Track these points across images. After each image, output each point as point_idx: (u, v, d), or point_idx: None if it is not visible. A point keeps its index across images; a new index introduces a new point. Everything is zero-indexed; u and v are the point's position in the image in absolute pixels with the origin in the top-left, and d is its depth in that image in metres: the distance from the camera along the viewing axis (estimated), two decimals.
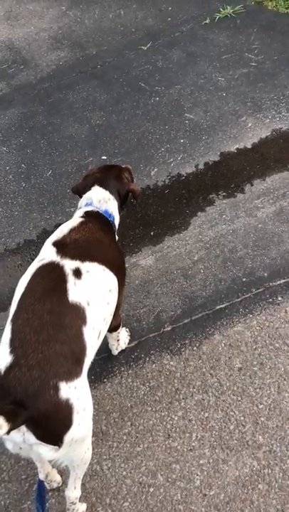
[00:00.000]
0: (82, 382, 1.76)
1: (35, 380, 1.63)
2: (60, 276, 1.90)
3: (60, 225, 2.24)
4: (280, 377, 2.45)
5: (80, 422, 1.72)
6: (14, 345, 1.70)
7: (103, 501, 2.21)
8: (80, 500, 2.14)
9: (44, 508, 1.98)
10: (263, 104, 3.75)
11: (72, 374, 1.71)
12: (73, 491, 2.07)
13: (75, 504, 2.12)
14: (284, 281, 2.80)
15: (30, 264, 2.05)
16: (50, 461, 1.88)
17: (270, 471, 2.19)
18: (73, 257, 1.97)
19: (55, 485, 2.23)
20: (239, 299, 2.76)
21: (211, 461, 2.25)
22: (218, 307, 2.75)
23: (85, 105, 3.99)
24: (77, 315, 1.84)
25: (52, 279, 1.90)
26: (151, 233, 3.14)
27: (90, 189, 2.39)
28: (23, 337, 1.71)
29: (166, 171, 3.44)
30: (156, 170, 3.46)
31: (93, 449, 2.35)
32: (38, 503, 1.99)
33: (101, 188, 2.37)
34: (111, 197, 2.37)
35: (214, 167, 3.41)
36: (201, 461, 2.26)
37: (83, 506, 2.19)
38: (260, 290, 2.78)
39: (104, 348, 2.65)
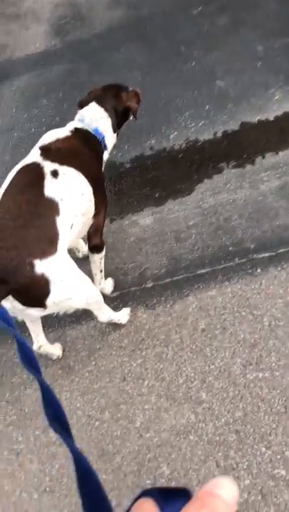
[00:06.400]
0: (57, 258, 2.00)
1: (13, 259, 1.90)
2: (39, 174, 2.15)
3: None
4: (237, 344, 2.53)
5: (58, 290, 2.01)
6: None
7: None
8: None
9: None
10: None
11: (46, 253, 1.97)
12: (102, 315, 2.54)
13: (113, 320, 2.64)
14: (268, 254, 2.82)
15: None
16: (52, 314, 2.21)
17: (203, 426, 2.32)
18: (53, 161, 2.21)
19: (54, 357, 2.65)
20: (220, 267, 2.83)
21: (155, 407, 2.42)
22: (199, 271, 2.85)
23: (125, 65, 4.09)
24: (51, 207, 2.08)
25: (32, 175, 2.16)
26: (156, 194, 3.25)
27: (87, 105, 2.57)
28: (2, 223, 1.98)
29: (184, 135, 3.50)
30: (175, 133, 3.53)
31: (56, 380, 2.61)
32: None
33: (97, 105, 2.54)
34: (104, 115, 2.53)
35: (232, 136, 3.42)
36: (146, 406, 2.44)
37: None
38: (242, 260, 2.83)
39: None
